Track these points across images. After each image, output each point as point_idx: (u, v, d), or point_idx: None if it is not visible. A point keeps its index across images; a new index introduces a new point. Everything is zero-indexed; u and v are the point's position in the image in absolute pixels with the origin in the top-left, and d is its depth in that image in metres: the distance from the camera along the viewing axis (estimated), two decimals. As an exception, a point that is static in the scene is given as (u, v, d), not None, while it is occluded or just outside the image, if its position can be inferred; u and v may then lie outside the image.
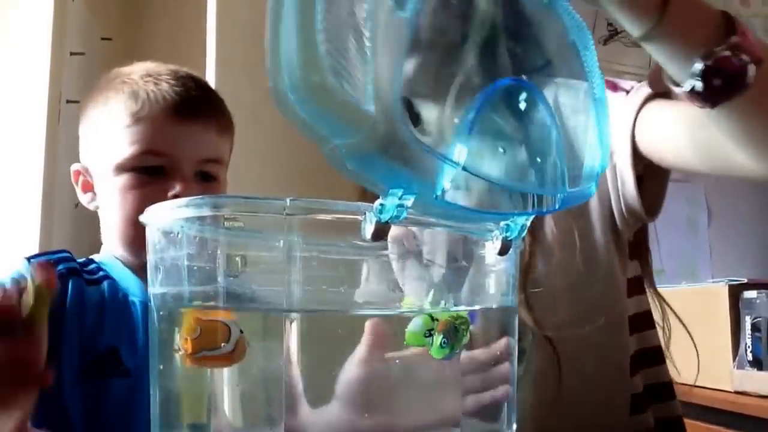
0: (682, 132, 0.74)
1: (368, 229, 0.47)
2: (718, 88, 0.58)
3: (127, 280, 0.89)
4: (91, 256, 0.93)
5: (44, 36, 1.57)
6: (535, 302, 0.83)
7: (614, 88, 0.89)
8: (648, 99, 0.80)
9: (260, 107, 1.15)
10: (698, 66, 0.57)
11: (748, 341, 1.69)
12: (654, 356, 0.98)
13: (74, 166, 0.97)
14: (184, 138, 0.89)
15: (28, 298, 0.54)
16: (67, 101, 1.57)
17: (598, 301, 0.88)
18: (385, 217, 0.46)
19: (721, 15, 0.59)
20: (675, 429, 0.97)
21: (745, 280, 1.77)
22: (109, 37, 1.77)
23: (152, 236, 0.59)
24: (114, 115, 0.90)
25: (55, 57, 1.57)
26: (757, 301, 1.68)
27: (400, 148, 0.42)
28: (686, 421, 1.95)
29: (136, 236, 0.87)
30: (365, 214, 0.48)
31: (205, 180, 0.91)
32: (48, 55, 1.53)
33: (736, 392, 1.70)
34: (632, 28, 0.59)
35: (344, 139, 0.42)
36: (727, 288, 1.76)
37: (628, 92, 0.83)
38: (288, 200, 0.49)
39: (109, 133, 0.90)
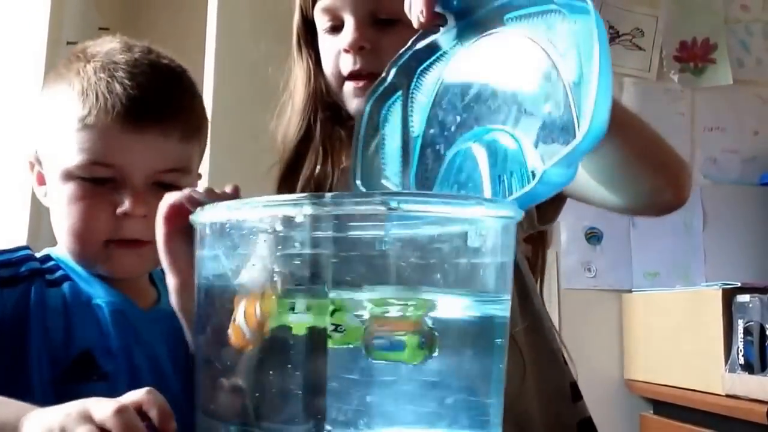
0: None
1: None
2: None
3: (89, 282, 0.82)
4: (48, 250, 0.85)
5: (41, 24, 1.57)
6: None
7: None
8: None
9: (259, 98, 1.14)
10: None
11: (741, 345, 1.68)
12: None
13: (28, 156, 0.87)
14: (137, 148, 0.78)
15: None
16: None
17: (518, 286, 0.92)
18: None
19: None
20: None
21: (739, 284, 1.76)
22: (106, 27, 1.77)
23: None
24: (63, 112, 0.80)
25: (51, 46, 1.58)
26: (750, 305, 1.68)
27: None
28: (677, 423, 1.95)
29: (80, 251, 0.81)
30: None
31: (165, 190, 0.77)
32: (44, 44, 1.53)
33: (728, 396, 1.70)
34: None
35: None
36: (720, 291, 1.76)
37: None
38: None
39: (58, 132, 0.81)
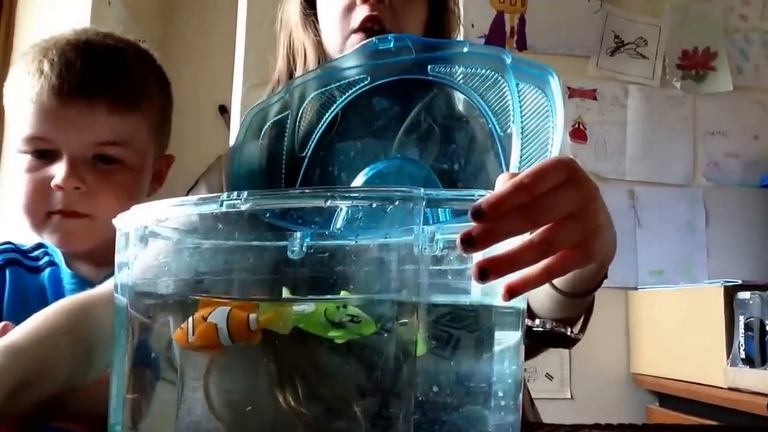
0: None
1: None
2: None
3: (61, 267, 0.84)
4: (42, 240, 0.88)
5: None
6: None
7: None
8: None
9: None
10: None
11: (742, 340, 1.72)
12: None
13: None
14: (66, 122, 0.81)
15: None
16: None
17: None
18: None
19: None
20: None
21: (740, 282, 1.80)
22: (143, 40, 1.84)
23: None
24: (12, 94, 0.86)
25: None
26: (751, 301, 1.71)
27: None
28: (681, 415, 2.00)
29: (28, 222, 0.83)
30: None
31: (106, 164, 0.83)
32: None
33: (730, 389, 1.74)
34: None
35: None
36: (722, 289, 1.79)
37: None
38: (423, 190, 0.48)
39: (10, 113, 0.87)
